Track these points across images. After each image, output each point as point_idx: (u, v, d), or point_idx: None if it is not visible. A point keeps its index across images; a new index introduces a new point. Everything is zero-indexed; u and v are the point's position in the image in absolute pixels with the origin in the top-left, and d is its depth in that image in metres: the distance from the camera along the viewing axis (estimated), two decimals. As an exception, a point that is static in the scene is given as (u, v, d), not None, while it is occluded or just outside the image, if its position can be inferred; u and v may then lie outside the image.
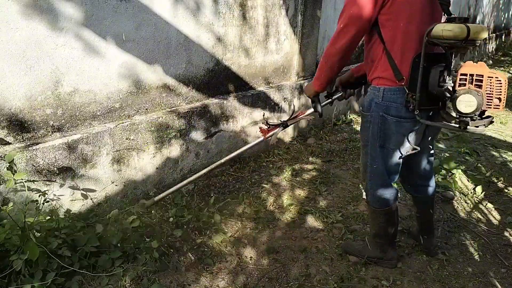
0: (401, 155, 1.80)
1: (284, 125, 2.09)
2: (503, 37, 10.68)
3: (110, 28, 2.20)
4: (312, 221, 2.53)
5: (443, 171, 3.17)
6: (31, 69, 1.94)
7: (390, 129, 1.71)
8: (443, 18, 1.66)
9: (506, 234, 2.46)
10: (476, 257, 2.24)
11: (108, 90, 2.29)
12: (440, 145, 3.85)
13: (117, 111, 2.38)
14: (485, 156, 3.63)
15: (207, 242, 2.24)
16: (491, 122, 1.45)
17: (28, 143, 2.01)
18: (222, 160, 2.28)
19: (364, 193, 2.11)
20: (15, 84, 1.91)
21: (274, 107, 3.48)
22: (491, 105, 1.37)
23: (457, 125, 1.46)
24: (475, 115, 1.41)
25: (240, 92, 3.19)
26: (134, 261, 2.00)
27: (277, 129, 2.08)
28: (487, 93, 1.37)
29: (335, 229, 2.44)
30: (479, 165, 3.41)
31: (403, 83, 1.60)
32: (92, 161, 2.23)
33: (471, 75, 1.38)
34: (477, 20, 8.45)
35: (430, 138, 1.89)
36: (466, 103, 1.38)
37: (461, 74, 1.40)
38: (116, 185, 2.39)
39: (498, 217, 2.65)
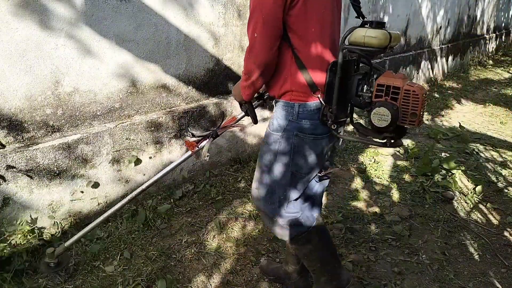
0: (309, 178, 1.56)
1: (214, 135, 1.84)
2: (503, 37, 10.68)
3: (110, 28, 2.20)
4: (312, 221, 2.53)
5: (443, 171, 3.17)
6: (31, 69, 1.94)
7: (306, 149, 1.48)
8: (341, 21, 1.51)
9: (506, 234, 2.46)
10: (476, 257, 2.24)
11: (108, 90, 2.29)
12: (439, 145, 3.85)
13: (117, 111, 2.38)
14: (485, 156, 3.63)
15: (207, 242, 2.24)
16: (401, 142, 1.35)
17: (28, 143, 2.01)
18: (144, 186, 1.88)
19: (275, 230, 1.65)
20: (15, 84, 1.91)
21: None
22: (406, 120, 1.26)
23: (383, 141, 1.33)
24: (389, 130, 1.27)
25: (240, 92, 3.19)
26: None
27: (206, 141, 1.82)
28: (402, 107, 1.25)
29: (335, 229, 2.44)
30: (479, 165, 3.41)
31: (318, 96, 1.42)
32: (92, 161, 2.23)
33: (388, 86, 1.27)
34: (477, 20, 8.45)
35: (330, 154, 1.66)
36: (380, 116, 1.26)
37: (378, 85, 1.29)
38: (116, 185, 2.39)
39: (498, 217, 2.65)
